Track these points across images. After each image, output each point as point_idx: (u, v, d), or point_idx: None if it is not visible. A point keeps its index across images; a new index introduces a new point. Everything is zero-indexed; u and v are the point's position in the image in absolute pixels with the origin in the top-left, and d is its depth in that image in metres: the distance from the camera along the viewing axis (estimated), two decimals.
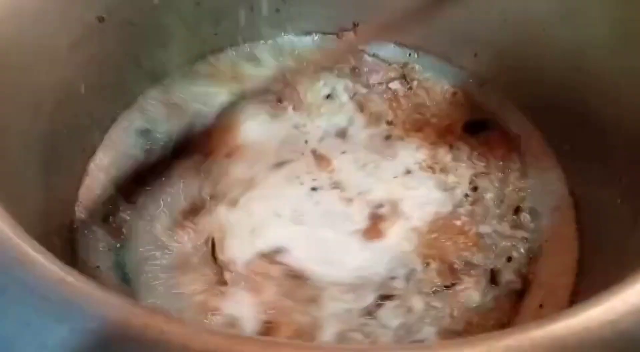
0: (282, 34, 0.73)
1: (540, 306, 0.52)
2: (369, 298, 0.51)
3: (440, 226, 0.56)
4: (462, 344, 0.26)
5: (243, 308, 0.49)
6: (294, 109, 0.65)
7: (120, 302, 0.25)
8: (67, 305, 0.24)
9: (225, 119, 0.64)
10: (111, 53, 0.60)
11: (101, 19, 0.57)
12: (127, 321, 0.24)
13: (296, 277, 0.51)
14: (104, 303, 0.24)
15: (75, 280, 0.25)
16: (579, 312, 0.25)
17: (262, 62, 0.71)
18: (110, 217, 0.57)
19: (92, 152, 0.61)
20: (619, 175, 0.49)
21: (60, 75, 0.54)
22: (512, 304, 0.52)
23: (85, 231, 0.56)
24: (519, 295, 0.53)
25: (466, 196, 0.58)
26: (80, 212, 0.57)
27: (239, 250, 0.53)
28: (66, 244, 0.54)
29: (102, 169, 0.61)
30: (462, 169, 0.61)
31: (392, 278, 0.52)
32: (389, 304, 0.51)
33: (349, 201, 0.57)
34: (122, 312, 0.24)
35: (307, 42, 0.73)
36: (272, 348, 0.24)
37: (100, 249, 0.55)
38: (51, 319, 0.24)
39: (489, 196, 0.59)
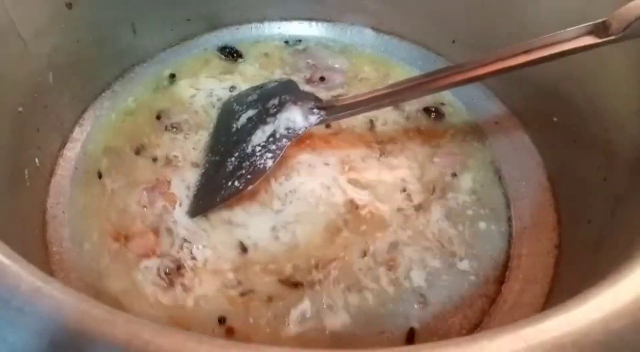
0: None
1: (520, 292, 0.52)
2: None
3: None
4: (449, 346, 0.25)
5: None
6: None
7: (102, 312, 0.24)
8: (44, 318, 0.23)
9: None
10: (79, 39, 0.58)
11: (69, 5, 0.55)
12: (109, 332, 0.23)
13: None
14: (83, 314, 0.23)
15: (53, 289, 0.24)
16: (565, 310, 0.25)
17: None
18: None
19: (63, 144, 0.59)
20: (597, 163, 0.50)
21: (27, 65, 0.52)
22: (493, 291, 0.53)
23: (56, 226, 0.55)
24: (498, 281, 0.53)
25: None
26: (51, 206, 0.56)
27: None
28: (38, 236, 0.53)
29: (72, 161, 0.59)
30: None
31: None
32: None
33: None
34: (104, 324, 0.23)
35: None
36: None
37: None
38: (28, 335, 0.23)
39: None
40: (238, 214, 0.55)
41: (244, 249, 0.53)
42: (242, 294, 0.50)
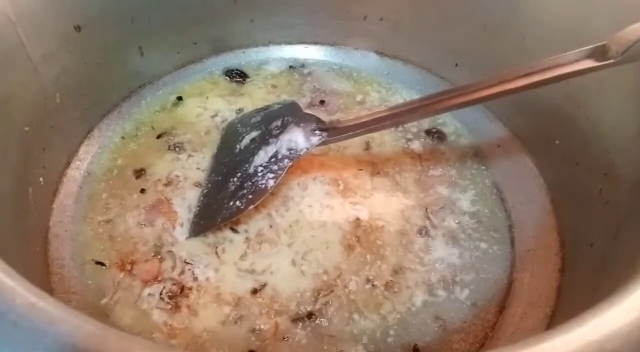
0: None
1: (523, 316, 0.52)
2: None
3: None
4: None
5: None
6: None
7: (94, 328, 0.24)
8: (38, 333, 0.23)
9: None
10: (87, 62, 0.59)
11: (78, 28, 0.56)
12: (100, 348, 0.23)
13: None
14: (76, 329, 0.23)
15: (48, 305, 0.24)
16: (563, 332, 0.25)
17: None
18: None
19: (67, 164, 0.60)
20: (599, 185, 0.50)
21: (36, 86, 0.52)
22: (495, 315, 0.52)
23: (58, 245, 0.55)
24: (501, 305, 0.53)
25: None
26: (54, 225, 0.56)
27: None
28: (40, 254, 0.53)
29: (76, 181, 0.59)
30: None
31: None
32: None
33: None
34: (96, 339, 0.23)
35: None
36: None
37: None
38: (22, 348, 0.23)
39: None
40: (256, 260, 0.54)
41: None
42: (251, 330, 0.50)
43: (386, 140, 0.65)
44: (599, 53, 0.42)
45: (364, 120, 0.53)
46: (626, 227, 0.44)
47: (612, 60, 0.42)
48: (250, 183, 0.54)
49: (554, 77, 0.44)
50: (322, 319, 0.50)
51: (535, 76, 0.45)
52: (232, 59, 0.73)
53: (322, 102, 0.69)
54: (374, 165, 0.62)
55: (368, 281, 0.53)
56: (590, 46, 0.43)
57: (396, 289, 0.53)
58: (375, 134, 0.64)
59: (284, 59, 0.74)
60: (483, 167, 0.63)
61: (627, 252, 0.41)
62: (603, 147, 0.50)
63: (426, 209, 0.59)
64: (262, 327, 0.49)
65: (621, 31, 0.41)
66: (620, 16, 0.48)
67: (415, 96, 0.69)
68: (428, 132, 0.66)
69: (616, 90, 0.49)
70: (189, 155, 0.62)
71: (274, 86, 0.71)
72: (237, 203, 0.54)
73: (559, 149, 0.56)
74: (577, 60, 0.44)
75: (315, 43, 0.75)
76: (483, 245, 0.57)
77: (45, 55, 0.53)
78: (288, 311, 0.51)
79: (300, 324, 0.50)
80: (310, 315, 0.50)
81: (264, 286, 0.52)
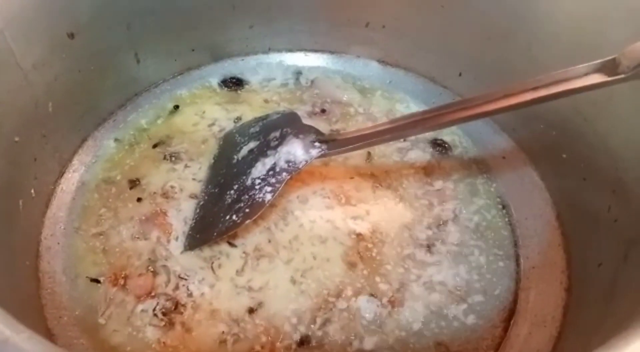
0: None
1: (527, 337, 0.50)
2: None
3: None
4: None
5: None
6: None
7: None
8: None
9: None
10: (81, 69, 0.57)
11: (71, 36, 0.55)
12: None
13: None
14: None
15: (22, 340, 0.23)
16: None
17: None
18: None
19: (61, 175, 0.59)
20: (608, 202, 0.48)
21: (26, 95, 0.51)
22: (499, 334, 0.51)
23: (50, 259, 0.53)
24: (505, 324, 0.51)
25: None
26: (46, 238, 0.54)
27: None
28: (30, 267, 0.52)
29: (70, 192, 0.58)
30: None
31: None
32: None
33: None
34: None
35: None
36: None
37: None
38: None
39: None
40: (253, 276, 0.53)
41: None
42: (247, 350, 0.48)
43: (388, 151, 0.63)
44: (609, 67, 0.41)
45: (364, 132, 0.52)
46: (637, 248, 0.42)
47: (622, 76, 0.40)
48: (247, 196, 0.53)
49: (561, 91, 0.43)
50: (321, 341, 0.49)
51: (542, 90, 0.44)
52: (231, 66, 0.72)
53: (323, 111, 0.67)
54: (376, 177, 0.60)
55: (369, 299, 0.51)
56: (600, 60, 0.41)
57: (398, 308, 0.51)
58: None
59: (284, 66, 0.72)
60: (487, 180, 0.61)
61: (639, 277, 0.40)
62: (611, 163, 0.49)
63: (429, 223, 0.57)
64: (258, 348, 0.48)
65: (633, 45, 0.39)
66: (632, 27, 0.46)
67: (418, 105, 0.68)
68: (431, 143, 0.64)
69: (626, 103, 0.48)
70: (186, 166, 0.61)
71: (273, 94, 0.69)
72: (234, 217, 0.52)
73: (565, 163, 0.55)
74: (586, 74, 0.42)
75: (316, 51, 0.73)
76: (487, 261, 0.55)
77: (37, 63, 0.51)
78: (285, 332, 0.49)
79: (297, 346, 0.48)
80: (308, 337, 0.49)
81: (261, 304, 0.50)
